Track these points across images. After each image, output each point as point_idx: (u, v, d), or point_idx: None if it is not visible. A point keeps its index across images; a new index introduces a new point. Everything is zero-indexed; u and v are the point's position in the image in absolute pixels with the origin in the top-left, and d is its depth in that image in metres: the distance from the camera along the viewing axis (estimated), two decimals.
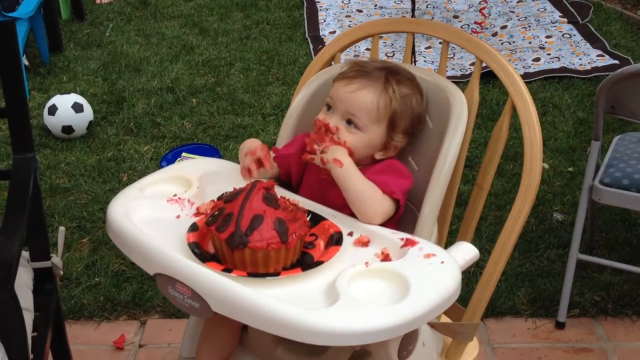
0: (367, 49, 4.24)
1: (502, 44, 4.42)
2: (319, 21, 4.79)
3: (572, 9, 4.76)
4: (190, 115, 3.67)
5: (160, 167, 3.21)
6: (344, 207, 1.51)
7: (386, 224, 1.49)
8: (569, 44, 4.34)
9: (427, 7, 4.92)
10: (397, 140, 1.58)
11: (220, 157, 3.22)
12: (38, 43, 4.16)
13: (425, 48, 4.40)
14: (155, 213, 1.49)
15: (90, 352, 2.36)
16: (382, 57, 4.15)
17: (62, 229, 1.90)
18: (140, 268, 1.41)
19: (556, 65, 4.10)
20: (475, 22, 4.63)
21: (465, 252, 1.49)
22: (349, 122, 1.55)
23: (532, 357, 2.34)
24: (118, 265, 2.66)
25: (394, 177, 1.53)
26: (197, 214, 1.49)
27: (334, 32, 4.61)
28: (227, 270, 1.31)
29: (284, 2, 5.11)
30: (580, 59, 4.14)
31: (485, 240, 2.72)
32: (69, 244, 2.76)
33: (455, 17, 4.81)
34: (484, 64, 1.64)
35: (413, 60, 3.15)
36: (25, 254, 1.84)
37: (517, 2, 4.90)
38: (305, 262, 1.36)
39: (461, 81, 3.83)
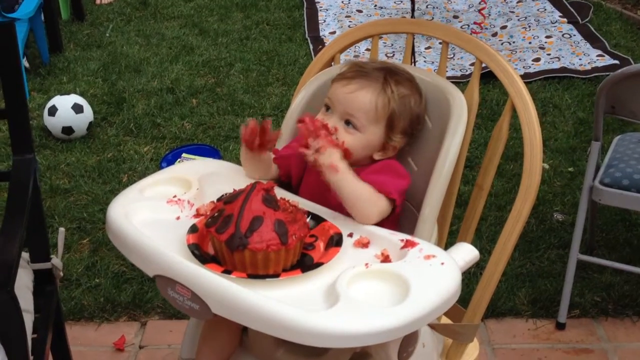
0: (367, 50, 4.24)
1: (502, 44, 4.42)
2: (319, 21, 4.78)
3: (572, 9, 4.76)
4: (190, 116, 3.67)
5: (160, 167, 3.21)
6: (344, 208, 1.50)
7: (384, 224, 1.49)
8: (569, 44, 4.34)
9: (427, 7, 4.92)
10: (395, 140, 1.58)
11: (220, 157, 3.22)
12: (38, 44, 4.16)
13: (425, 48, 4.40)
14: (155, 214, 1.49)
15: (91, 353, 2.36)
16: (382, 57, 4.16)
17: (62, 230, 1.90)
18: (140, 269, 1.41)
19: (556, 65, 4.09)
20: (475, 23, 4.63)
21: (465, 253, 1.49)
22: (348, 122, 1.55)
23: (532, 357, 2.34)
24: (118, 266, 2.65)
25: (391, 177, 1.53)
26: (197, 215, 1.48)
27: (334, 32, 4.61)
28: (227, 271, 1.31)
29: (284, 2, 5.11)
30: (580, 59, 4.14)
31: (485, 241, 2.72)
32: (69, 245, 2.76)
33: (455, 17, 4.81)
34: (483, 65, 1.64)
35: (413, 60, 3.15)
36: (25, 255, 1.84)
37: (517, 2, 4.89)
38: (305, 264, 1.36)
39: (461, 81, 3.83)
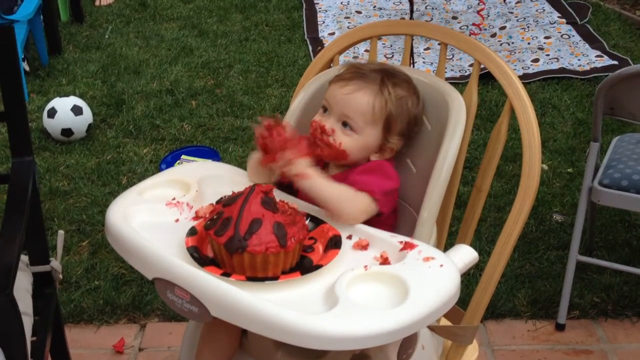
0: (366, 51, 4.24)
1: (500, 44, 4.42)
2: (318, 23, 4.78)
3: (570, 10, 4.76)
4: (190, 118, 3.66)
5: (159, 169, 3.21)
6: None
7: (380, 226, 1.48)
8: (567, 45, 4.34)
9: (426, 8, 4.92)
10: (392, 142, 1.58)
11: (219, 159, 3.22)
12: (37, 46, 4.15)
13: (424, 49, 4.40)
14: (154, 217, 1.49)
15: (90, 356, 2.36)
16: (381, 58, 4.16)
17: (61, 232, 1.90)
18: (139, 272, 1.41)
19: (555, 66, 4.10)
20: (474, 24, 4.64)
21: (464, 254, 1.48)
22: (345, 124, 1.55)
23: (532, 359, 2.34)
24: (118, 268, 2.65)
25: (377, 177, 1.52)
26: (196, 217, 1.48)
27: (333, 33, 4.61)
28: (226, 274, 1.31)
29: (283, 3, 5.11)
30: (579, 60, 4.14)
31: (484, 242, 2.72)
32: (69, 248, 2.76)
33: (454, 18, 4.81)
34: (482, 66, 1.64)
35: (412, 61, 3.15)
36: (24, 257, 1.84)
37: (516, 3, 4.90)
38: (304, 266, 1.36)
39: (460, 82, 3.84)
